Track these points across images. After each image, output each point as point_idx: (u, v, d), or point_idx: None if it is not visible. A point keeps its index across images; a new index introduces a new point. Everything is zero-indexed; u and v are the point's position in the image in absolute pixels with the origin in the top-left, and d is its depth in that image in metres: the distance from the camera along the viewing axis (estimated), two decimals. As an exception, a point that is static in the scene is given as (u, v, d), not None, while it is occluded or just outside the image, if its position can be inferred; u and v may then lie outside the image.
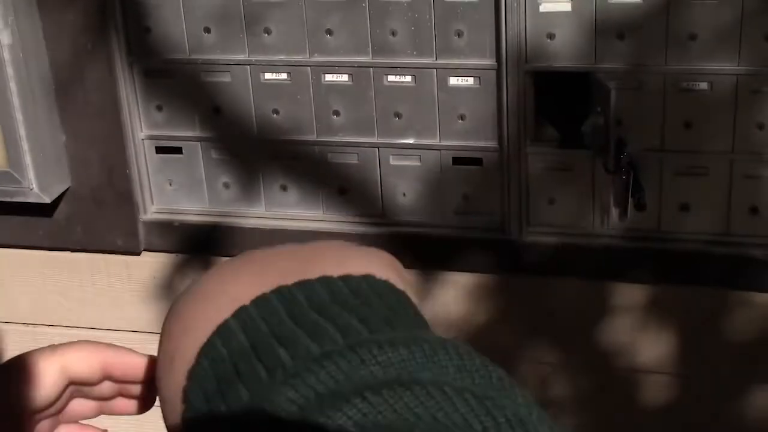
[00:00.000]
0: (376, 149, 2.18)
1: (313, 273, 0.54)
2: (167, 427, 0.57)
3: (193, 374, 0.54)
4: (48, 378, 0.72)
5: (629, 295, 2.16)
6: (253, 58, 2.17)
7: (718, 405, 2.21)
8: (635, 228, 2.10)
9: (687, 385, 2.22)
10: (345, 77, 2.14)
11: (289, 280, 0.53)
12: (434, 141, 2.15)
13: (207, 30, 2.18)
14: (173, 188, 2.33)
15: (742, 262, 2.06)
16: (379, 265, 0.57)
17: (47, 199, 2.26)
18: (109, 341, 0.77)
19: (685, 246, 2.09)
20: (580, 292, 2.19)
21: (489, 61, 2.06)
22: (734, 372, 2.17)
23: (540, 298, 2.22)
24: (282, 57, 2.16)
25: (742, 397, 2.19)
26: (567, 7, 1.98)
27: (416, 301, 0.57)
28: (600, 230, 2.12)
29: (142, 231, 2.35)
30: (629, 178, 1.97)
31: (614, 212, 2.07)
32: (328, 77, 2.15)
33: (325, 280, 0.54)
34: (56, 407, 0.75)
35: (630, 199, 1.99)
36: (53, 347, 0.75)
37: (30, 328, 2.53)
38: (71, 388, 0.75)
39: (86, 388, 0.76)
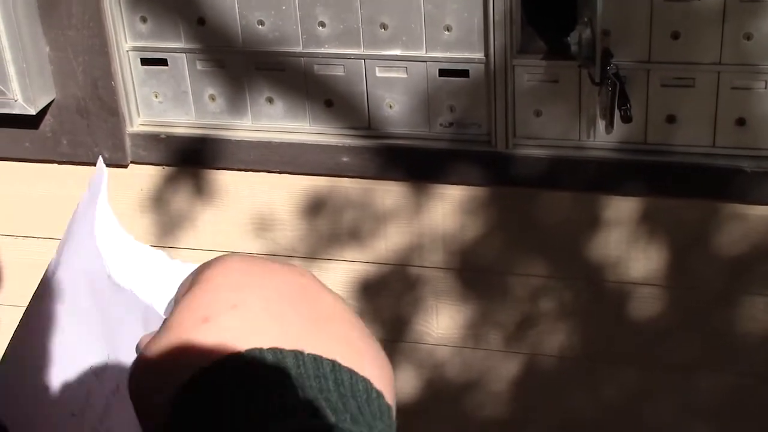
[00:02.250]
0: (362, 61, 2.16)
1: (322, 342, 0.60)
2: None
3: (191, 386, 0.57)
4: None
5: (617, 207, 2.16)
6: (237, -33, 2.14)
7: (708, 316, 2.22)
8: (622, 140, 2.09)
9: (676, 296, 2.22)
10: (330, -13, 2.11)
11: (303, 343, 0.59)
12: (420, 53, 2.12)
13: (190, -62, 2.14)
14: (159, 100, 2.32)
15: (730, 173, 2.05)
16: (379, 377, 0.61)
17: (32, 111, 2.25)
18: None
19: (673, 158, 2.08)
20: (569, 205, 2.18)
21: (475, -29, 2.02)
22: (722, 282, 2.18)
23: (529, 211, 2.21)
24: (266, -34, 2.13)
25: (731, 307, 2.20)
26: None
27: (393, 415, 0.62)
28: (587, 142, 2.11)
29: (128, 143, 2.34)
30: (615, 89, 1.95)
31: (601, 124, 2.05)
32: (313, -13, 2.12)
33: (335, 368, 0.58)
34: None
35: (616, 111, 1.98)
36: None
37: (19, 240, 2.54)
38: None
39: None
